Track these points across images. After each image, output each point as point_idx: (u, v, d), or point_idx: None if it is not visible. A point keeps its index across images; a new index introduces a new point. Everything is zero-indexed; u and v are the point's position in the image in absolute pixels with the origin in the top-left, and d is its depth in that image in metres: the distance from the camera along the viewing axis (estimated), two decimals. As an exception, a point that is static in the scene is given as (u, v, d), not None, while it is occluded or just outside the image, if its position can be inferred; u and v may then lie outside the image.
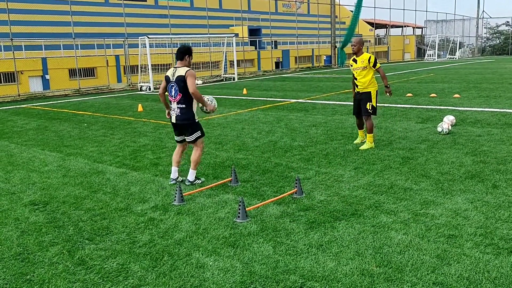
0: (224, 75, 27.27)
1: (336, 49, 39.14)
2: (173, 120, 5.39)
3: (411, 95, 13.93)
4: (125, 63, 24.74)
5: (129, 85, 23.70)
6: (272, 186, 5.29)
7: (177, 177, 5.59)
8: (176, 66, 5.33)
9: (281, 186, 5.27)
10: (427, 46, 54.39)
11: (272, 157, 6.69)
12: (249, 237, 3.86)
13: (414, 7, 50.60)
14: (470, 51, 62.90)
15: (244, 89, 18.06)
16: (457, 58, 51.41)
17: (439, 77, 21.11)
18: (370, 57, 6.81)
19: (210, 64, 29.13)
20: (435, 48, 50.26)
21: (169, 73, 5.34)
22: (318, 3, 39.93)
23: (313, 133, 8.46)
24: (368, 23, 49.79)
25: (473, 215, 4.15)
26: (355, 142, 7.43)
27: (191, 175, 5.50)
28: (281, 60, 37.19)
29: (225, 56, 27.68)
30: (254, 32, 36.92)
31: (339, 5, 41.97)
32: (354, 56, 6.98)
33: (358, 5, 37.09)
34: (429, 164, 5.95)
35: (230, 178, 5.47)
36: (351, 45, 7.11)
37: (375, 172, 5.70)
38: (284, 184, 5.34)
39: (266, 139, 8.08)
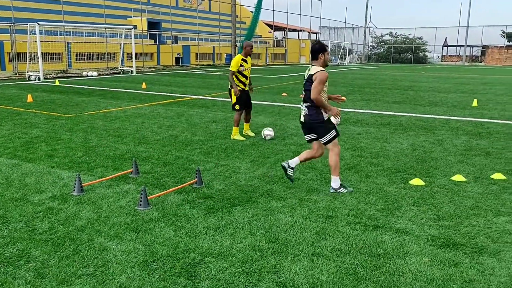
0: (121, 68, 26.47)
1: (236, 48, 40.00)
2: (301, 119, 5.11)
3: (304, 95, 14.98)
4: (11, 50, 22.83)
5: (16, 74, 21.94)
6: (173, 177, 5.54)
7: (288, 164, 5.10)
8: (312, 64, 5.01)
9: (182, 177, 5.54)
10: (320, 50, 57.89)
11: (173, 150, 6.91)
12: (151, 223, 4.09)
13: (309, 13, 53.64)
14: (358, 58, 68.33)
15: (143, 83, 17.83)
16: (346, 64, 55.55)
17: (329, 81, 22.78)
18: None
19: (106, 56, 28.07)
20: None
21: (306, 70, 5.05)
22: (219, 1, 40.49)
23: (213, 128, 8.83)
24: (268, 25, 51.67)
25: (348, 200, 4.84)
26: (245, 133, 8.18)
27: (334, 182, 5.02)
28: (181, 55, 37.03)
29: (123, 48, 26.89)
30: (153, 25, 36.25)
31: (240, 5, 42.96)
32: (242, 57, 7.78)
33: (258, 7, 38.35)
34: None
35: (131, 170, 5.61)
36: (250, 47, 7.73)
37: (269, 164, 6.23)
38: (185, 175, 5.62)
39: (167, 133, 8.26)
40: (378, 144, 7.68)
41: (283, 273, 3.24)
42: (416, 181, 5.46)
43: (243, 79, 7.85)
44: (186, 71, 29.56)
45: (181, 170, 5.86)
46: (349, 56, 61.86)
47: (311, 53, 4.95)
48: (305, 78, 5.01)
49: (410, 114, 11.12)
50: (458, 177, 5.64)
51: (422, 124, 9.69)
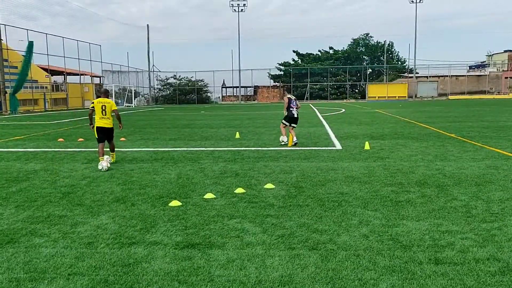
0: None
1: (7, 94, 36.39)
2: (295, 115, 12.55)
3: (82, 139, 14.96)
4: None
5: None
6: None
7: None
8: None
9: None
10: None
11: None
12: None
13: (89, 57, 52.59)
14: (145, 100, 69.68)
15: None
16: (133, 106, 56.12)
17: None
18: None
19: None
20: (113, 96, 53.42)
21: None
22: (-19, 45, 36.36)
23: (-27, 180, 8.26)
24: (44, 69, 48.51)
25: (111, 226, 5.41)
26: None
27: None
28: None
29: None
30: None
31: (7, 49, 39.41)
32: None
33: (29, 50, 36.02)
34: (86, 195, 7.02)
35: None
36: None
37: (35, 207, 6.33)
38: None
39: None
40: (148, 176, 8.48)
41: (38, 294, 3.62)
42: (174, 203, 6.40)
43: None
44: None
45: None
46: (136, 99, 62.69)
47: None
48: (294, 99, 12.61)
49: (183, 149, 12.38)
50: (209, 195, 6.83)
51: (191, 156, 10.97)
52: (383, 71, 75.93)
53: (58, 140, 14.94)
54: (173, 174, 8.67)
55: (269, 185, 7.45)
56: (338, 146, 12.44)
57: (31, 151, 12.32)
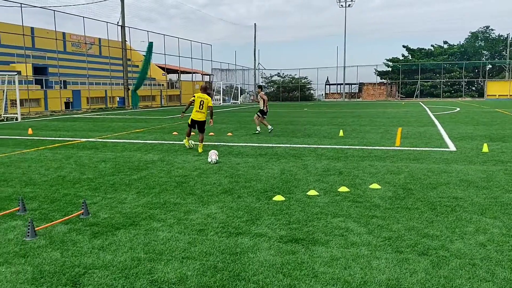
0: (4, 115, 25.18)
1: (129, 91, 39.99)
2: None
3: (193, 133, 15.87)
4: None
5: None
6: (61, 212, 5.95)
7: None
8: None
9: (69, 211, 5.98)
10: (214, 91, 60.06)
11: (60, 189, 7.25)
12: (39, 249, 4.53)
13: (200, 56, 55.59)
14: (250, 97, 71.70)
15: (29, 129, 17.38)
16: (239, 103, 58.09)
17: (219, 119, 24.09)
18: None
19: (-13, 103, 26.49)
20: (221, 93, 55.92)
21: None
22: (109, 46, 40.43)
23: (102, 167, 9.25)
24: (161, 67, 52.42)
25: (220, 216, 5.70)
26: None
27: None
28: (71, 100, 36.08)
29: (5, 94, 25.69)
30: (40, 70, 35.05)
31: (131, 49, 43.28)
32: None
33: (149, 50, 39.10)
34: (197, 185, 7.48)
35: (18, 208, 5.90)
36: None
37: (153, 194, 6.90)
38: (73, 209, 6.06)
39: (55, 174, 8.51)
40: (253, 171, 8.75)
41: (156, 273, 3.95)
42: (278, 197, 6.53)
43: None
44: (76, 116, 28.94)
45: (69, 205, 6.28)
46: (242, 96, 64.77)
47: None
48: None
49: (286, 145, 12.54)
50: (312, 192, 6.84)
51: (294, 153, 11.07)
52: (505, 67, 68.89)
53: (173, 133, 16.08)
54: (276, 170, 8.84)
55: (374, 185, 7.24)
56: (451, 147, 11.62)
57: (149, 142, 13.43)
